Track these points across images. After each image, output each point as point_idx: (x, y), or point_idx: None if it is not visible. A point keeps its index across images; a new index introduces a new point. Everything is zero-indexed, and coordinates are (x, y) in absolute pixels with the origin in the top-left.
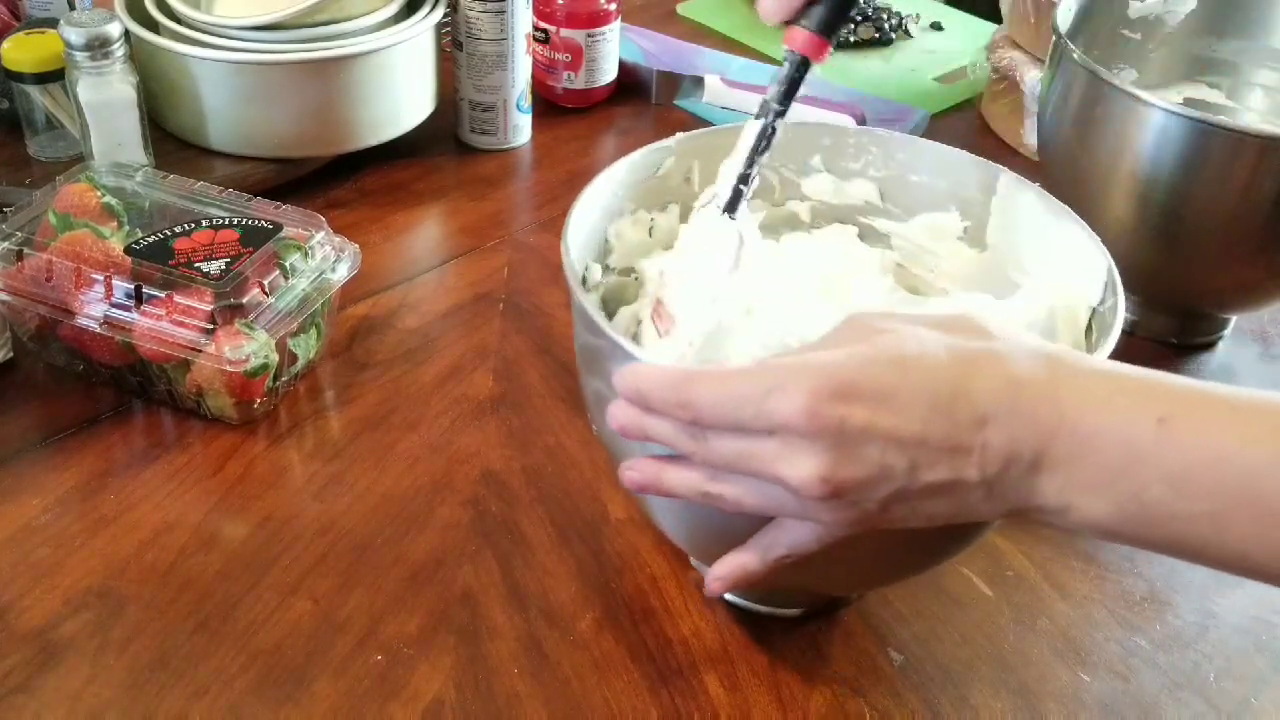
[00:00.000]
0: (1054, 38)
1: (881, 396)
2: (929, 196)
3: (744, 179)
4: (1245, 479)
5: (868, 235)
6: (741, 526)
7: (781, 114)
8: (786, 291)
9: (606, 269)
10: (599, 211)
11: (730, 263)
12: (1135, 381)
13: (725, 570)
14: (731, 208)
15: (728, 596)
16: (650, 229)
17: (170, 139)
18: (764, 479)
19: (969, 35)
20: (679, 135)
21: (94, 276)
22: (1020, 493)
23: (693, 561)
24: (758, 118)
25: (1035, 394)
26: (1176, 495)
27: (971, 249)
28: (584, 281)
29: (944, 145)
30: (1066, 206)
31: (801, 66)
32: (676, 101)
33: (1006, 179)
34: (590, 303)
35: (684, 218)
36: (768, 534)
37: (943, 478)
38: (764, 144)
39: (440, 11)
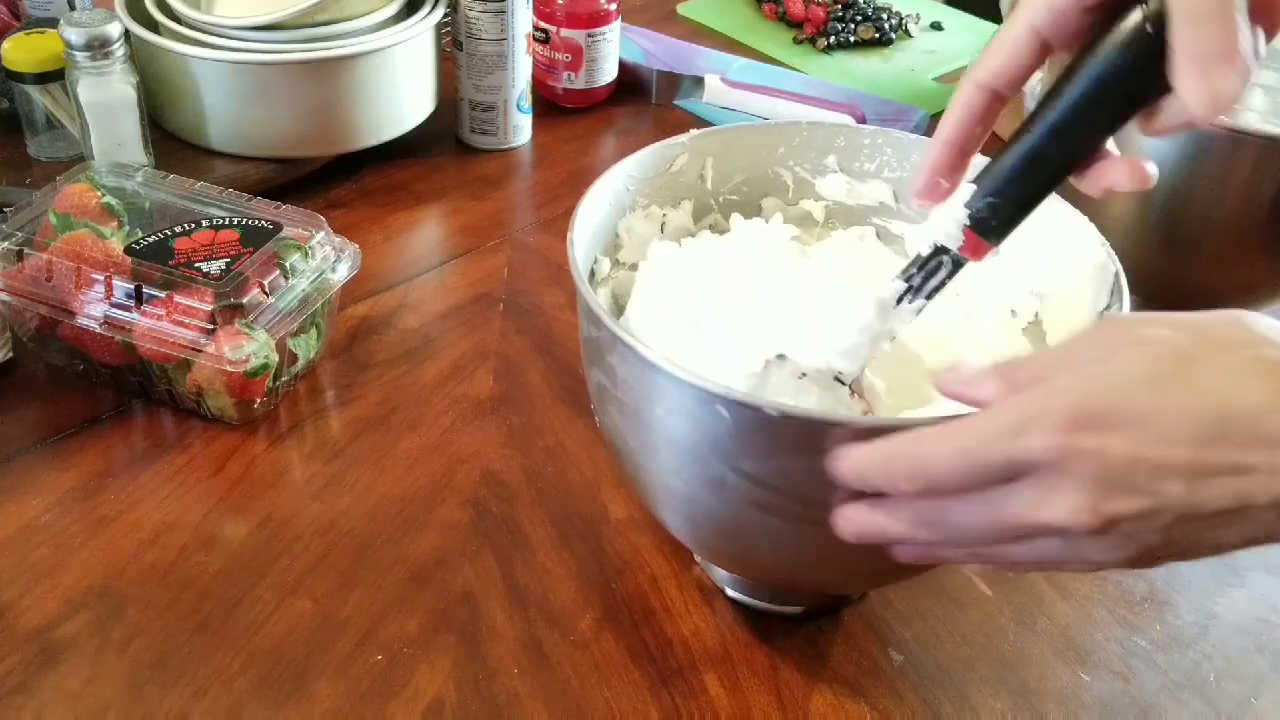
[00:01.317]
0: None
1: (1142, 420)
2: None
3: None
4: None
5: (882, 236)
6: (751, 529)
7: (921, 311)
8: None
9: (616, 263)
10: (608, 206)
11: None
12: None
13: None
14: (856, 386)
15: (729, 592)
16: (662, 225)
17: (170, 139)
18: (1032, 535)
19: (969, 35)
20: (693, 132)
21: (94, 276)
22: None
23: (697, 559)
24: (900, 301)
25: None
26: None
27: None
28: (593, 275)
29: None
30: (1075, 210)
31: (959, 266)
32: (676, 101)
33: None
34: (592, 294)
35: (696, 215)
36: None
37: (1227, 502)
38: (893, 334)
39: (440, 11)
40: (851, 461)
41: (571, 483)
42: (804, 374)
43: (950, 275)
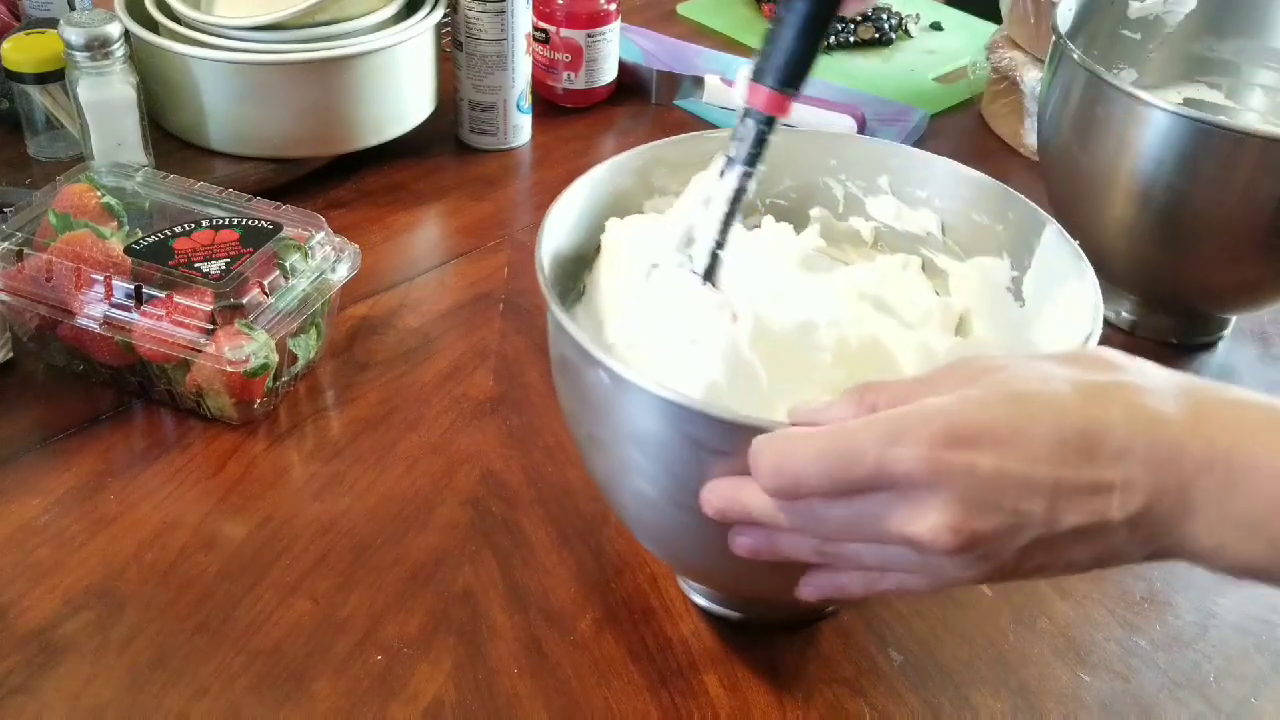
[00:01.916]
0: (1054, 38)
1: (1008, 439)
2: (987, 238)
3: (720, 244)
4: None
5: (928, 269)
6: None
7: (750, 175)
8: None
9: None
10: (610, 197)
11: (722, 332)
12: None
13: (822, 584)
14: (711, 275)
15: (702, 603)
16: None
17: (170, 139)
18: (888, 541)
19: (969, 35)
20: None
21: (94, 276)
22: (1167, 532)
23: (679, 577)
24: (723, 175)
25: (1178, 427)
26: None
27: (1015, 301)
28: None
29: (1008, 188)
30: (1086, 261)
31: (767, 124)
32: (676, 101)
33: (1051, 231)
34: (561, 310)
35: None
36: (874, 570)
37: (1084, 520)
38: (736, 207)
39: (440, 11)
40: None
41: (571, 483)
42: (655, 265)
43: (761, 136)
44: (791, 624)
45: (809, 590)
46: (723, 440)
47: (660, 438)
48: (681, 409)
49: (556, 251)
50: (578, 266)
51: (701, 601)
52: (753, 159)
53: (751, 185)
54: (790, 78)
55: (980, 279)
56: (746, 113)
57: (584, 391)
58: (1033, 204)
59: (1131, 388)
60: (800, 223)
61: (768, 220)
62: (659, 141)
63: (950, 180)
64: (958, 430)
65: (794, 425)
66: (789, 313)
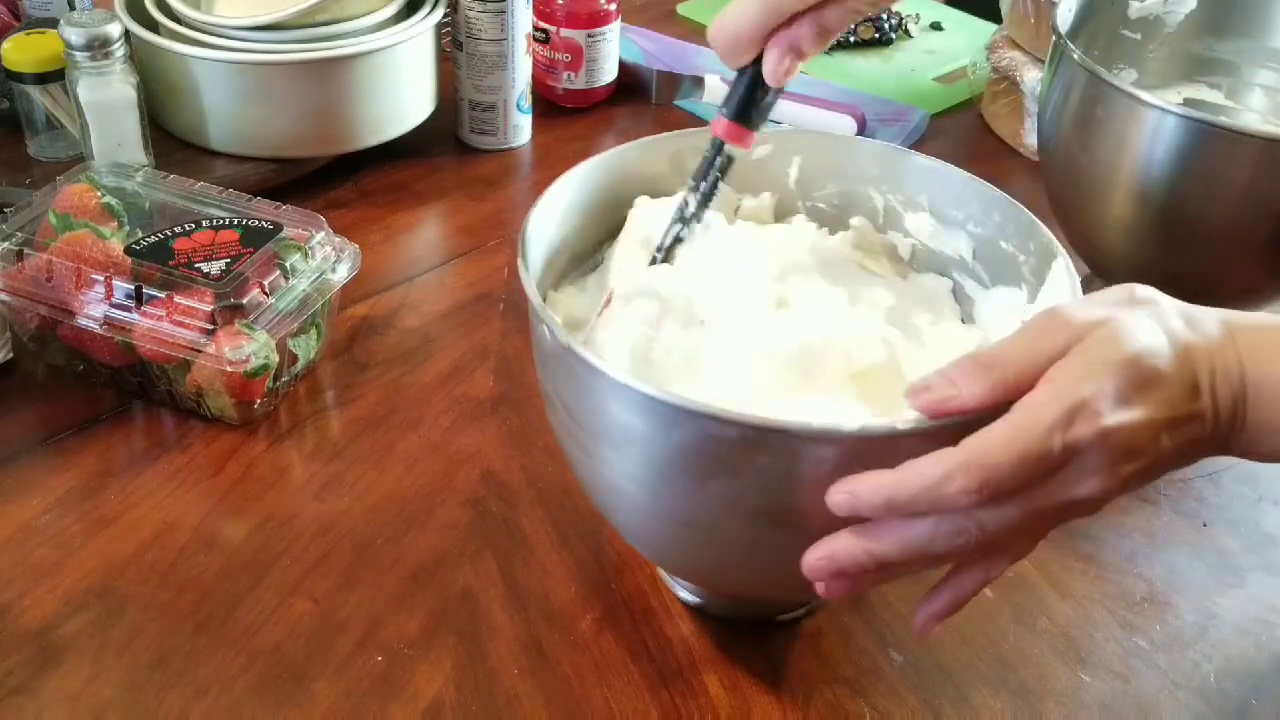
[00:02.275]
0: (1054, 38)
1: (1139, 392)
2: (1011, 268)
3: (659, 251)
4: None
5: (958, 294)
6: (710, 543)
7: (694, 188)
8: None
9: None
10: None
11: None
12: None
13: (940, 609)
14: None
15: (685, 597)
16: (737, 209)
17: (170, 139)
18: (1051, 518)
19: (969, 35)
20: (784, 125)
21: (94, 277)
22: (1225, 439)
23: (662, 573)
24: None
25: (1226, 355)
26: None
27: None
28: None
29: (1035, 218)
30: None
31: (718, 149)
32: (676, 101)
33: (1059, 264)
34: (542, 303)
35: (779, 212)
36: (980, 560)
37: (1190, 441)
38: (679, 216)
39: (440, 11)
40: (886, 489)
41: (571, 483)
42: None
43: (721, 166)
44: (761, 622)
45: (932, 623)
46: (681, 429)
47: (628, 428)
48: (645, 398)
49: (549, 241)
50: (570, 255)
51: (690, 599)
52: (701, 180)
53: (699, 205)
54: (743, 113)
55: (1005, 310)
56: (711, 145)
57: (559, 379)
58: (1051, 234)
59: (1189, 325)
60: (838, 229)
61: (799, 219)
62: (654, 136)
63: (984, 204)
64: (1113, 398)
65: (922, 404)
66: (805, 325)
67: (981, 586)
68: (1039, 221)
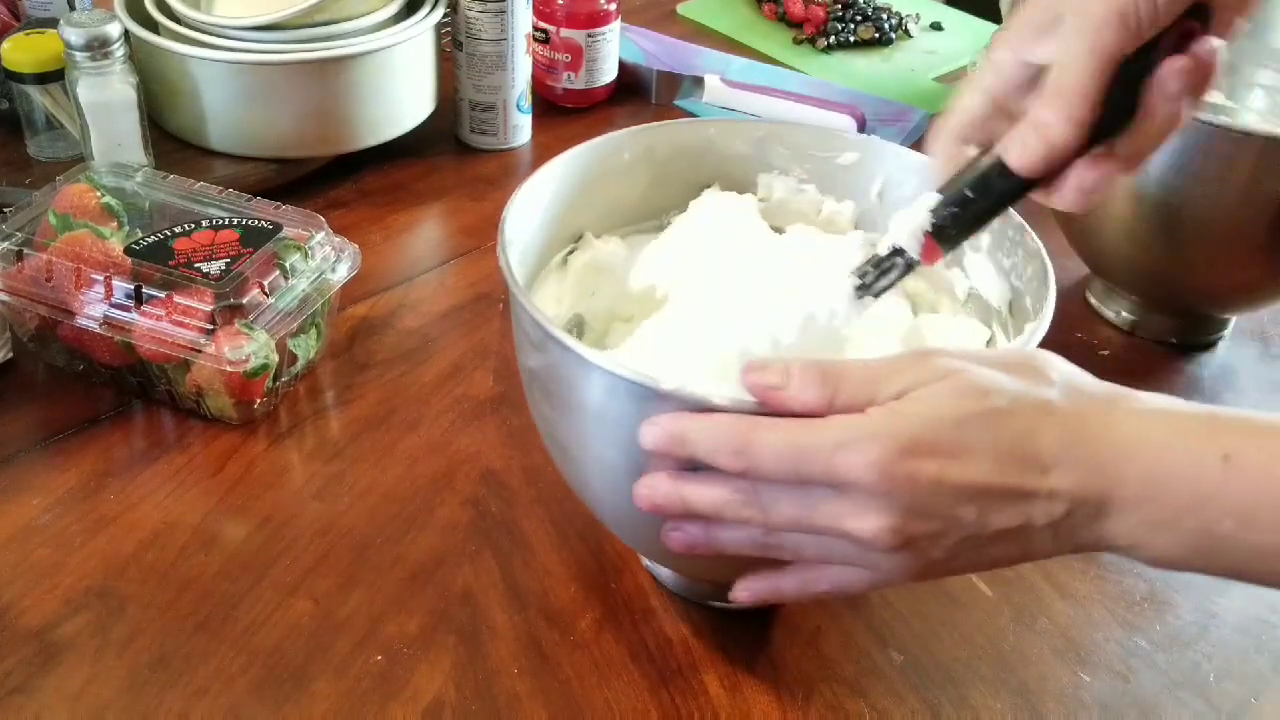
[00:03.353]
0: None
1: (950, 450)
2: (1025, 322)
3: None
4: None
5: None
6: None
7: (866, 285)
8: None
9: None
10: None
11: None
12: (1197, 419)
13: (759, 587)
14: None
15: (670, 589)
16: (819, 210)
17: (170, 139)
18: (830, 534)
19: (969, 35)
20: (872, 137)
21: (94, 277)
22: (1087, 534)
23: (644, 561)
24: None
25: (1099, 439)
26: (1246, 529)
27: None
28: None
29: (1052, 287)
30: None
31: (907, 269)
32: (676, 101)
33: (1031, 327)
34: (528, 299)
35: (860, 221)
36: (811, 569)
37: (1011, 524)
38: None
39: (440, 11)
40: (676, 422)
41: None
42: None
43: (901, 276)
44: (745, 612)
45: (744, 594)
46: (652, 410)
47: (605, 411)
48: (620, 380)
49: (531, 227)
50: (551, 243)
51: (673, 589)
52: (880, 294)
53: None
54: (959, 238)
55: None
56: (900, 252)
57: (538, 369)
58: (1053, 297)
59: (1062, 404)
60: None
61: (854, 235)
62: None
63: (1025, 253)
64: (906, 441)
65: (750, 381)
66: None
67: (799, 593)
68: (1053, 288)
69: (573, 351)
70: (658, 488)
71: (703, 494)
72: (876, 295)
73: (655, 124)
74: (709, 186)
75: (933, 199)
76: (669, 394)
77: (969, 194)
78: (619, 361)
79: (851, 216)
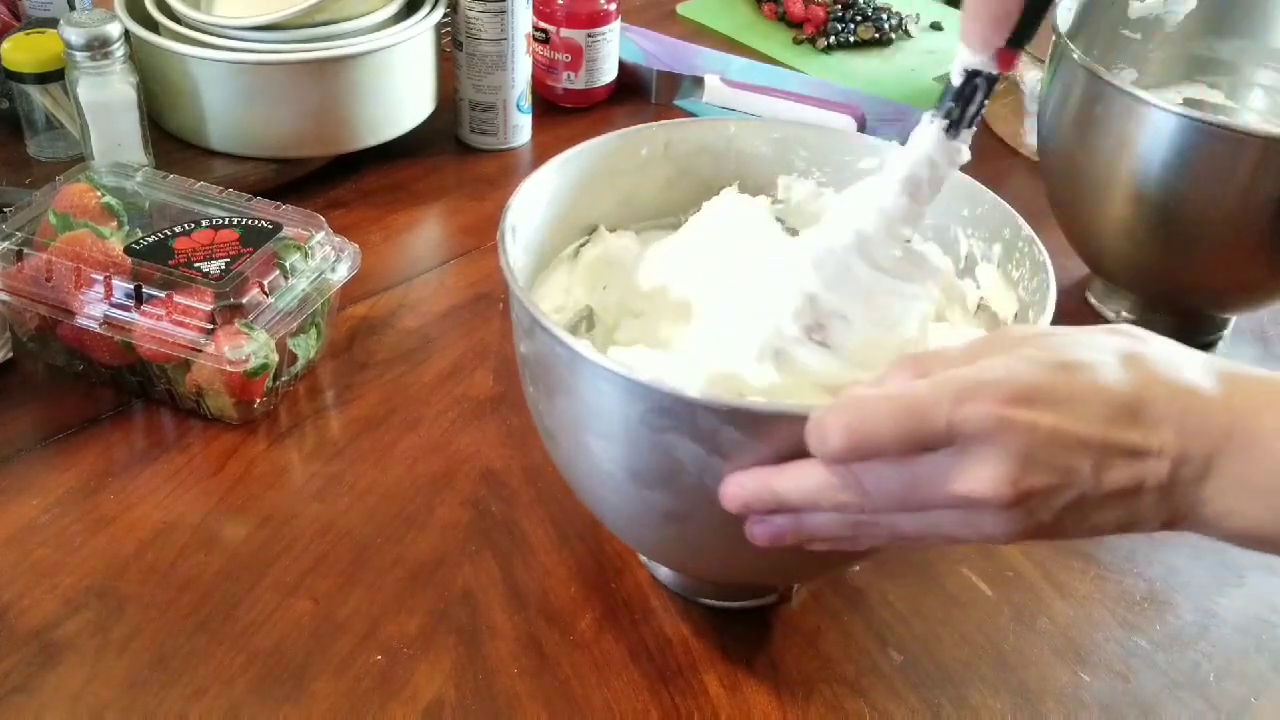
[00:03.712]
0: (1054, 38)
1: (1064, 400)
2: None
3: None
4: None
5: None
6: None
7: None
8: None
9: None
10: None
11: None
12: None
13: (783, 522)
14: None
15: (672, 590)
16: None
17: (170, 139)
18: (938, 505)
19: None
20: (893, 144)
21: (94, 276)
22: (1188, 498)
23: (644, 561)
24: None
25: (1208, 399)
26: None
27: None
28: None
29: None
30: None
31: (990, 85)
32: (676, 101)
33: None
34: (528, 297)
35: None
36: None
37: (1123, 482)
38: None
39: (440, 11)
40: (765, 478)
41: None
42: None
43: (986, 96)
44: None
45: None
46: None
47: (610, 412)
48: (628, 382)
49: (533, 225)
50: (552, 241)
51: (675, 589)
52: (973, 121)
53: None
54: (1026, 35)
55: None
56: (977, 73)
57: (537, 367)
58: (1052, 307)
59: (1166, 361)
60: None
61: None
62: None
63: (1033, 265)
64: (1022, 390)
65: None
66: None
67: (833, 540)
68: (1053, 301)
69: (560, 341)
70: (746, 484)
71: (796, 483)
72: (970, 125)
73: (674, 121)
74: (728, 186)
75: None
76: (646, 386)
77: None
78: (599, 352)
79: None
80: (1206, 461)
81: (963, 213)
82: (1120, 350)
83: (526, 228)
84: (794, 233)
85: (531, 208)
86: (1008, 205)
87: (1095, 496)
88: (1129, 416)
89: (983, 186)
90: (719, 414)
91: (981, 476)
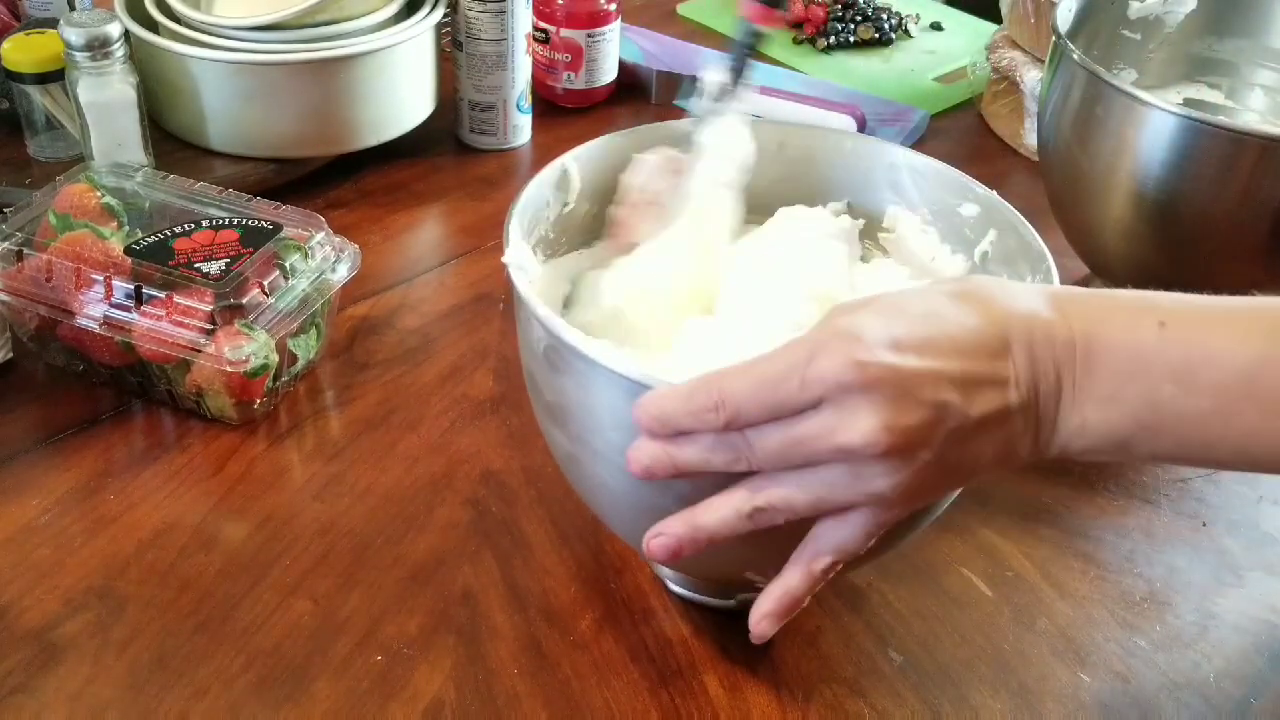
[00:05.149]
0: (1054, 38)
1: (919, 343)
2: None
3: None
4: (1246, 373)
5: None
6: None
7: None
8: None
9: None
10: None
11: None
12: (1132, 296)
13: (772, 604)
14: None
15: (675, 589)
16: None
17: (170, 139)
18: (820, 459)
19: (969, 35)
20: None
21: (94, 277)
22: (1049, 416)
23: (645, 559)
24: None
25: (1048, 320)
26: (1186, 392)
27: None
28: None
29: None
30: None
31: (754, 35)
32: (676, 101)
33: None
34: (532, 293)
35: None
36: (806, 548)
37: (992, 407)
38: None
39: (440, 11)
40: (654, 404)
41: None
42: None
43: (752, 49)
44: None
45: (764, 622)
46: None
47: (613, 411)
48: (620, 378)
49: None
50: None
51: (679, 590)
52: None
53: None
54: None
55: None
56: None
57: (537, 361)
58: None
59: (1000, 293)
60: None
61: (888, 262)
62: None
63: (1041, 264)
64: (874, 339)
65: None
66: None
67: (808, 582)
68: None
69: (563, 340)
70: (645, 449)
71: (689, 448)
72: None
73: (790, 124)
74: (837, 200)
75: None
76: (649, 385)
77: None
78: (596, 346)
79: (963, 269)
80: (1058, 377)
81: (963, 213)
82: (953, 293)
83: (531, 223)
84: (865, 260)
85: (542, 202)
86: (1008, 205)
87: (969, 426)
88: (981, 347)
89: (983, 186)
90: None
91: (857, 426)
